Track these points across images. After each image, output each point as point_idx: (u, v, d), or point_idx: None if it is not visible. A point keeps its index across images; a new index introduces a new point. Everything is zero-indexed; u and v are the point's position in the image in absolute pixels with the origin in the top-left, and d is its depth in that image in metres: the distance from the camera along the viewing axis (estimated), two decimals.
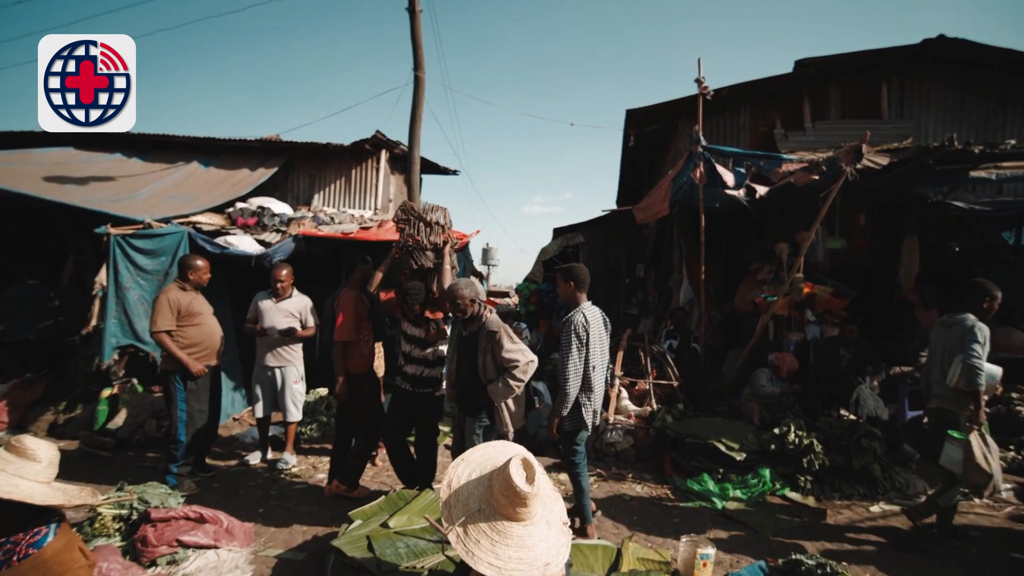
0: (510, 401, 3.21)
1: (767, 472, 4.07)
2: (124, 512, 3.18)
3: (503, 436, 3.18)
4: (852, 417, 4.79)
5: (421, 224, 3.63)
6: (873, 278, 6.51)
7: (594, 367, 3.12)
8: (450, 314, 3.35)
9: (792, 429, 4.21)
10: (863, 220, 6.08)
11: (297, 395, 4.63)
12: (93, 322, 5.33)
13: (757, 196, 4.38)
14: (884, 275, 6.36)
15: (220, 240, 5.70)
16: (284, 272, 4.49)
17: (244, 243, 5.79)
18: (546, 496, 1.85)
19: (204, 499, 3.86)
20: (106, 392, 5.25)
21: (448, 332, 3.69)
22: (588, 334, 3.07)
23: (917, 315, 5.87)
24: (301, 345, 4.61)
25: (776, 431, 4.26)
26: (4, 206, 6.02)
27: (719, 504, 3.85)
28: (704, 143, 4.65)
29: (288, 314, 4.46)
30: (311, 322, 4.55)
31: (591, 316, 3.14)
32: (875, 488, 4.04)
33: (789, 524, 3.60)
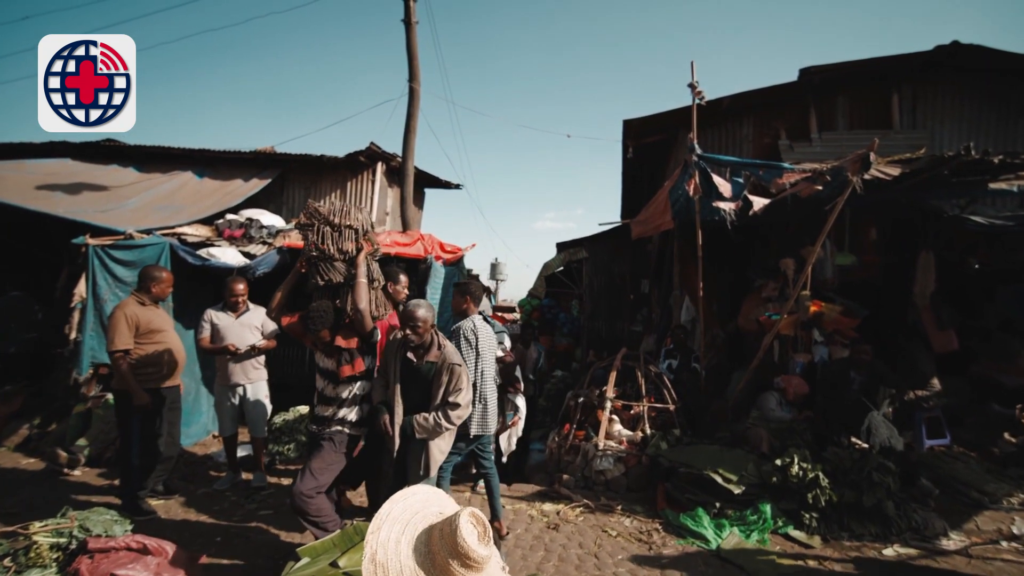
0: (440, 441, 2.94)
1: (768, 508, 3.72)
2: (63, 541, 2.96)
3: (421, 479, 2.88)
4: (864, 446, 4.44)
5: (327, 228, 2.95)
6: (886, 296, 6.15)
7: (482, 372, 3.36)
8: (371, 340, 2.86)
9: (796, 460, 3.86)
10: (874, 235, 5.74)
11: (267, 410, 4.45)
12: (72, 334, 5.20)
13: (752, 211, 4.09)
14: (898, 293, 6.00)
15: (203, 252, 5.56)
16: (241, 286, 4.29)
17: (228, 255, 5.64)
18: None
19: (162, 525, 3.65)
20: (78, 408, 5.08)
21: (370, 364, 3.00)
22: (477, 338, 3.33)
23: (931, 337, 5.48)
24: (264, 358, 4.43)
25: (778, 462, 3.91)
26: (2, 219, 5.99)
27: (713, 543, 3.51)
28: (700, 151, 4.39)
29: (253, 328, 4.29)
30: (274, 335, 4.38)
31: (480, 324, 3.42)
32: (889, 528, 3.67)
33: (791, 569, 3.25)
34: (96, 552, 2.85)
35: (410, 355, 2.90)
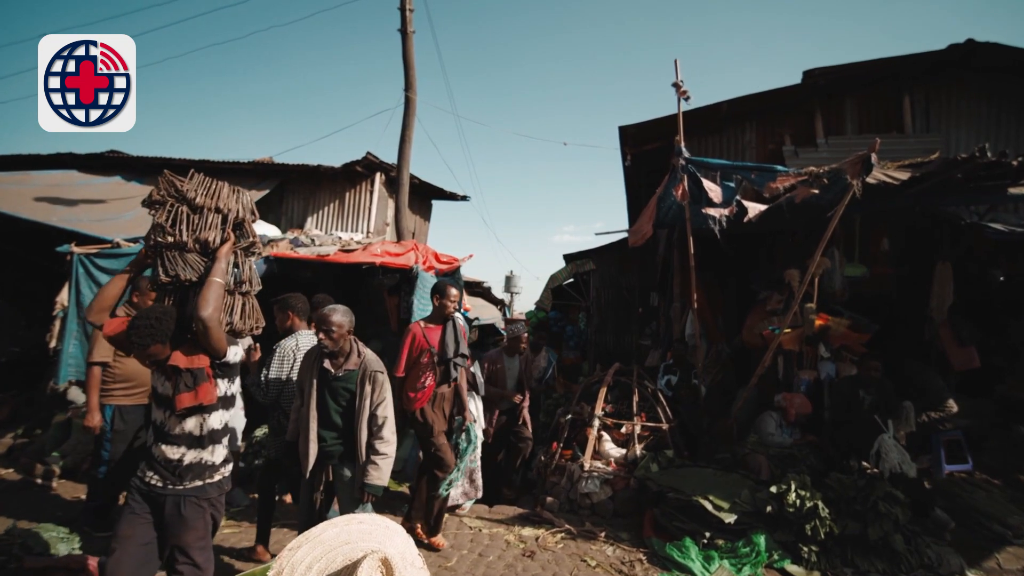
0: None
1: (762, 539, 3.40)
2: (1, 559, 2.84)
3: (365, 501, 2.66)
4: (875, 470, 4.09)
5: (184, 208, 2.19)
6: (900, 310, 5.78)
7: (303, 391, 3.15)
8: (226, 359, 2.15)
9: (793, 487, 3.55)
10: (886, 244, 5.40)
11: (243, 424, 4.30)
12: (52, 343, 5.17)
13: (747, 218, 3.83)
14: (914, 307, 5.63)
15: None
16: None
17: None
18: None
19: None
20: (59, 417, 5.02)
21: (229, 389, 2.21)
22: (295, 359, 3.19)
23: (950, 355, 5.10)
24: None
25: (774, 489, 3.60)
26: (7, 228, 6.09)
27: None
28: (687, 155, 4.16)
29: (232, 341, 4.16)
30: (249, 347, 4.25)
31: (305, 343, 3.23)
32: (898, 564, 3.32)
33: None
34: (31, 572, 2.73)
35: (327, 364, 2.72)
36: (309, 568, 1.36)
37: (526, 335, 4.75)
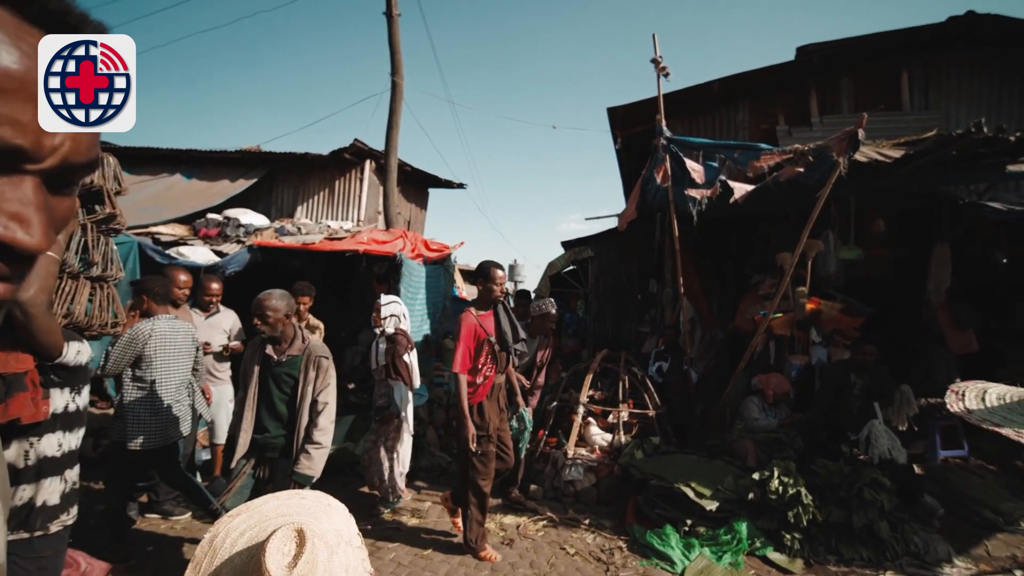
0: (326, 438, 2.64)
1: (743, 527, 3.34)
2: None
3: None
4: (865, 456, 4.00)
5: None
6: (898, 293, 5.64)
7: (154, 380, 3.06)
8: (64, 359, 1.60)
9: (776, 474, 3.47)
10: (882, 226, 5.25)
11: (230, 416, 4.29)
12: None
13: (733, 199, 3.70)
14: (911, 290, 5.49)
15: (172, 251, 5.47)
16: (215, 285, 4.14)
17: (198, 254, 5.54)
18: None
19: (97, 532, 3.51)
20: None
21: (73, 402, 1.67)
22: (145, 344, 3.03)
23: (948, 338, 4.97)
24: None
25: (756, 476, 3.52)
26: None
27: (679, 565, 3.16)
28: (668, 134, 4.03)
29: (222, 330, 4.13)
30: (240, 338, 4.22)
31: (164, 326, 3.09)
32: (883, 551, 3.25)
33: None
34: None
35: (270, 351, 2.65)
36: (241, 535, 1.36)
37: (555, 312, 4.29)
